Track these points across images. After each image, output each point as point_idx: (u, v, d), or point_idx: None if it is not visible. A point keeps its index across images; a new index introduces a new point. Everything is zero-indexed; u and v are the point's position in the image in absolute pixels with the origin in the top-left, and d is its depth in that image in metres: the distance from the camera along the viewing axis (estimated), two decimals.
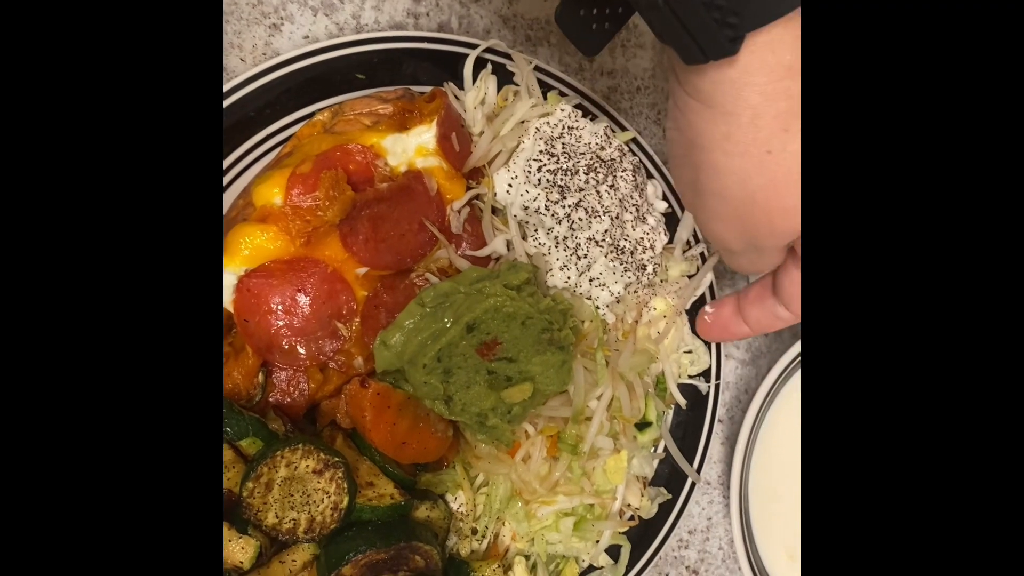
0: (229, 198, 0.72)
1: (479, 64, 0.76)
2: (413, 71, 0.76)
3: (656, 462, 0.83)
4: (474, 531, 0.74)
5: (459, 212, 0.72)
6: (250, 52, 0.78)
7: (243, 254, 0.66)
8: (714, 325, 0.77)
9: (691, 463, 0.83)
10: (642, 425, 0.80)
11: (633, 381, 0.77)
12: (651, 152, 0.82)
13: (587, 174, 0.72)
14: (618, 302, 0.76)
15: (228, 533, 0.62)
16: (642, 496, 0.81)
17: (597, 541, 0.78)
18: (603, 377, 0.74)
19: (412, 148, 0.70)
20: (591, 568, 0.80)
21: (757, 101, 0.47)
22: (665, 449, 0.82)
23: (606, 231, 0.72)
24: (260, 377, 0.68)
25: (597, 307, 0.75)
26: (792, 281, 0.62)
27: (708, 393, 0.84)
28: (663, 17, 0.45)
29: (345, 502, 0.65)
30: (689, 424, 0.84)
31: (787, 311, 0.65)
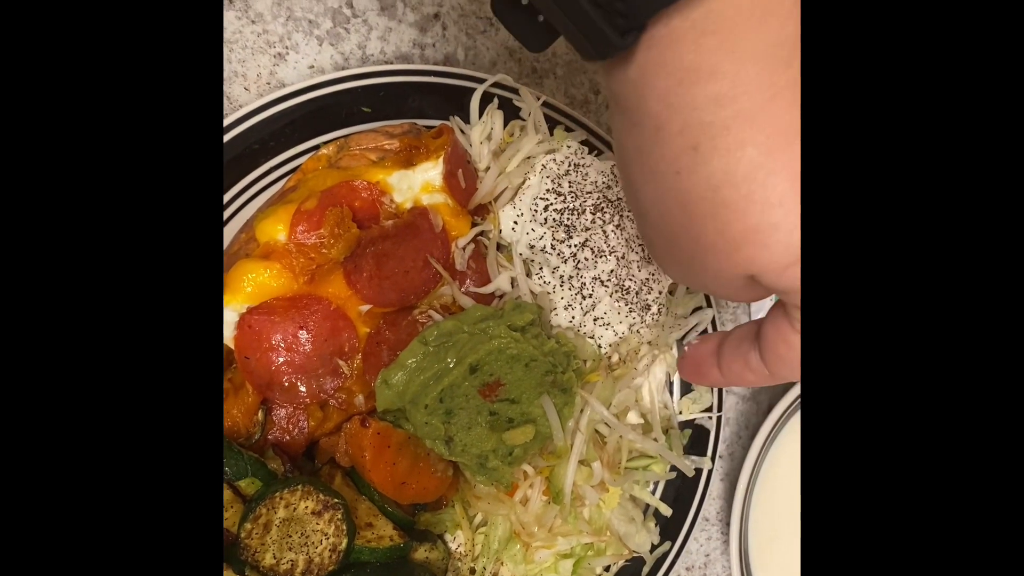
0: (231, 231, 0.71)
1: (486, 98, 0.75)
2: (419, 105, 0.75)
3: (657, 495, 0.82)
4: (472, 571, 0.73)
5: (464, 249, 0.72)
6: (254, 81, 0.77)
7: (245, 291, 0.65)
8: (688, 360, 0.63)
9: (691, 499, 0.83)
10: None
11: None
12: None
13: (594, 214, 0.71)
14: (622, 342, 0.75)
15: (225, 574, 0.62)
16: (640, 529, 0.80)
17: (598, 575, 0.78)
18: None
19: (418, 185, 0.70)
20: None
21: (658, 110, 0.40)
22: (668, 481, 0.82)
23: (612, 271, 0.71)
24: (260, 415, 0.67)
25: (600, 346, 0.74)
26: (777, 331, 0.50)
27: (710, 430, 0.83)
28: (547, 7, 0.39)
29: (344, 544, 0.64)
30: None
31: (762, 365, 0.53)
